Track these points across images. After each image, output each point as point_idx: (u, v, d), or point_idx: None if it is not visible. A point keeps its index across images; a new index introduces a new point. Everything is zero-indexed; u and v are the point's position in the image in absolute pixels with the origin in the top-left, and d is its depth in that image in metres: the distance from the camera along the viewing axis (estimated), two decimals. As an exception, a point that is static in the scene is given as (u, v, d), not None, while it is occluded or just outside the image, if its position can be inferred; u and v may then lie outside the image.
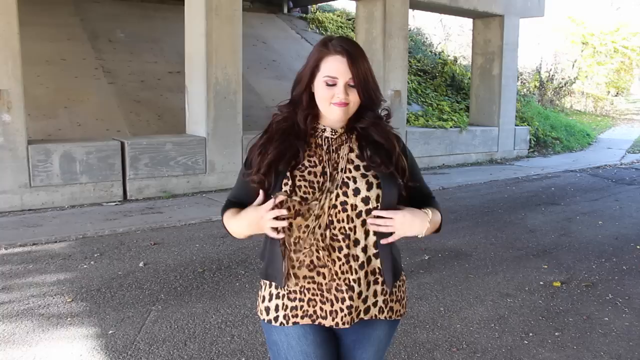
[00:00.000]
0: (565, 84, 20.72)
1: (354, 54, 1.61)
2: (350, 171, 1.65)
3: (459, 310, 3.87)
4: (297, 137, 1.67)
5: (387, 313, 1.72)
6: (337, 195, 1.63)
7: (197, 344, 3.27)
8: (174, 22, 10.33)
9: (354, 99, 1.62)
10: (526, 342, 3.42)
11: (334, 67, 1.60)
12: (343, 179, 1.64)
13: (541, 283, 4.44)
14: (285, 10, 14.35)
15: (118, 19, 10.75)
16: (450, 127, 11.10)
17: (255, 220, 1.60)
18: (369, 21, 9.92)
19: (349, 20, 15.49)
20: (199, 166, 7.57)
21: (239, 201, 1.75)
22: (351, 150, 1.68)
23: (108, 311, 3.70)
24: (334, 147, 1.68)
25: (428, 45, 17.38)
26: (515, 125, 12.52)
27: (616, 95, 26.47)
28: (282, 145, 1.65)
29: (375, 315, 1.70)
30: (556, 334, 3.53)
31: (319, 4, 15.32)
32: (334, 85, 1.60)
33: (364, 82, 1.61)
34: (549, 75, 20.35)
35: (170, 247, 5.15)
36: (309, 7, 15.04)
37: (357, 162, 1.67)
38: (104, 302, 3.86)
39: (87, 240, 5.34)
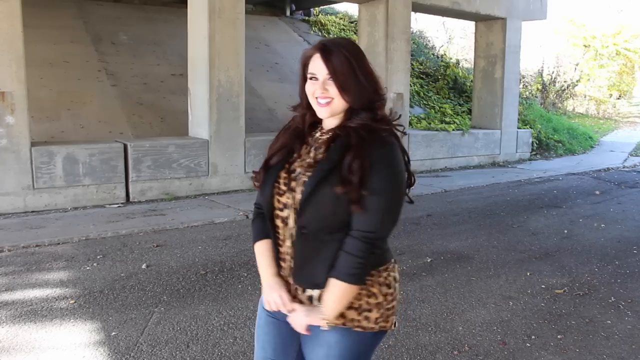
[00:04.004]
0: (567, 87, 20.71)
1: (330, 50, 1.62)
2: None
3: (461, 313, 3.87)
4: (297, 136, 1.72)
5: (338, 319, 1.63)
6: (299, 193, 1.64)
7: (200, 345, 3.28)
8: (177, 24, 10.36)
9: (335, 94, 1.61)
10: (528, 344, 3.41)
11: (314, 64, 1.64)
12: (302, 177, 1.65)
13: (543, 286, 4.44)
14: (288, 13, 14.38)
15: (121, 22, 10.79)
16: (453, 130, 11.10)
17: (266, 292, 1.72)
18: (371, 24, 9.94)
19: (352, 23, 15.51)
20: (201, 168, 7.58)
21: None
22: (327, 150, 1.65)
23: (111, 313, 3.71)
24: (315, 147, 1.70)
25: (430, 48, 17.39)
26: (518, 128, 12.51)
27: (619, 98, 26.44)
28: (279, 143, 1.73)
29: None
30: (558, 336, 3.53)
31: (322, 7, 15.36)
32: (317, 81, 1.63)
33: (342, 77, 1.59)
34: (551, 78, 20.34)
35: (173, 249, 5.16)
36: (312, 9, 15.08)
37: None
38: (106, 303, 3.86)
39: (90, 242, 5.35)
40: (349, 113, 1.65)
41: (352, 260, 1.56)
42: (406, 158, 1.68)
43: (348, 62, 1.60)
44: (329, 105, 1.62)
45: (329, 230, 1.60)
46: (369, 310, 1.64)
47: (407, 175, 1.69)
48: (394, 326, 1.74)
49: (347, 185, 1.53)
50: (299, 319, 1.66)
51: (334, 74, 1.60)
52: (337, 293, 1.59)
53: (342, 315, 1.63)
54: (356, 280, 1.58)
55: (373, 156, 1.56)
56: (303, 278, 1.67)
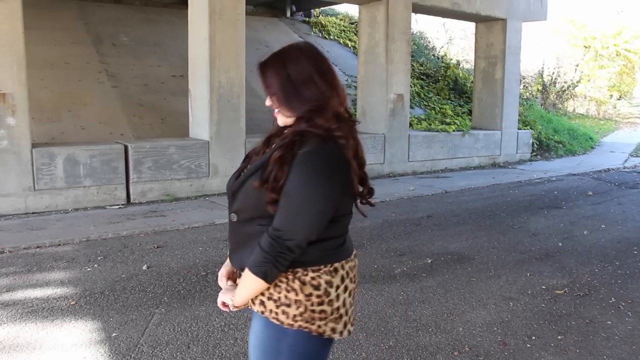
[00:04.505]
0: (567, 88, 20.72)
1: (265, 64, 1.70)
2: None
3: (461, 314, 3.88)
4: (271, 136, 1.84)
5: (258, 306, 1.71)
6: None
7: (201, 346, 3.28)
8: (178, 26, 10.38)
9: (276, 106, 1.71)
10: (529, 345, 3.42)
11: None
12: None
13: (543, 287, 4.44)
14: (288, 14, 14.40)
15: (122, 23, 10.81)
16: (453, 130, 11.10)
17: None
18: (371, 25, 9.95)
19: (352, 24, 15.53)
20: (202, 169, 7.59)
21: None
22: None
23: (111, 314, 3.71)
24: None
25: (431, 49, 17.41)
26: (518, 129, 12.52)
27: (619, 99, 26.44)
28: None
29: (250, 305, 1.75)
30: (559, 337, 3.53)
31: (322, 8, 15.37)
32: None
33: (273, 92, 1.68)
34: (551, 79, 20.35)
35: (174, 250, 5.17)
36: (312, 11, 15.09)
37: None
38: (107, 304, 3.87)
39: (91, 243, 5.35)
40: (298, 119, 1.70)
41: (259, 253, 1.61)
42: (354, 165, 1.65)
43: (278, 77, 1.67)
44: (279, 114, 1.73)
45: (259, 222, 1.67)
46: (288, 305, 1.67)
47: (358, 183, 1.69)
48: (336, 334, 1.71)
49: (264, 182, 1.61)
50: (219, 295, 1.82)
51: (268, 90, 1.70)
52: (244, 280, 1.69)
53: (263, 305, 1.70)
54: (260, 274, 1.62)
55: (295, 157, 1.59)
56: (234, 260, 1.79)
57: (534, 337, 3.53)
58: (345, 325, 1.73)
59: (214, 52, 7.49)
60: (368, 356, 3.22)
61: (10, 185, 6.27)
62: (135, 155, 7.06)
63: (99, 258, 4.88)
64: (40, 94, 8.10)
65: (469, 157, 11.33)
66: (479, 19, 12.03)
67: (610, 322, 3.78)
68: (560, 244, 5.70)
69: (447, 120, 11.83)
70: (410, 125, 10.88)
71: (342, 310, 1.71)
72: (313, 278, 1.67)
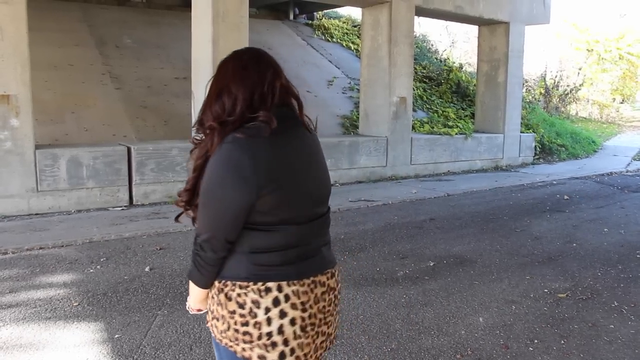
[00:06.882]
0: (570, 91, 20.69)
1: None
2: None
3: (463, 317, 3.88)
4: None
5: (208, 315, 1.72)
6: None
7: (203, 348, 3.28)
8: (181, 28, 10.41)
9: None
10: (531, 349, 3.41)
11: None
12: None
13: (546, 290, 4.44)
14: (291, 17, 14.44)
15: (125, 25, 10.84)
16: (456, 133, 11.10)
17: None
18: (374, 28, 9.96)
19: (355, 27, 15.55)
20: (204, 171, 7.58)
21: None
22: None
23: (114, 315, 3.72)
24: None
25: (433, 52, 17.41)
26: (521, 132, 12.51)
27: (622, 102, 26.38)
28: None
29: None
30: (561, 341, 3.53)
31: (325, 11, 15.39)
32: None
33: None
34: (554, 82, 20.32)
35: (176, 252, 5.17)
36: (315, 13, 15.12)
37: None
38: (110, 306, 3.88)
39: (94, 244, 5.36)
40: None
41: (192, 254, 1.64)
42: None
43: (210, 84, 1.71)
44: None
45: None
46: (217, 319, 1.63)
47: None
48: None
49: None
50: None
51: None
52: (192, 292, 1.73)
53: (208, 314, 1.69)
54: (188, 273, 1.66)
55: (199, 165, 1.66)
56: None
57: (536, 341, 3.52)
58: (283, 357, 1.57)
59: (217, 54, 7.49)
60: (370, 359, 3.22)
61: (13, 186, 6.29)
62: (138, 157, 7.07)
63: (101, 259, 4.89)
64: (44, 96, 8.13)
65: (472, 160, 11.32)
66: (482, 22, 12.03)
67: (613, 326, 3.77)
68: (562, 248, 5.69)
69: (450, 123, 11.82)
70: (413, 128, 10.88)
71: (276, 338, 1.56)
72: (239, 295, 1.57)
